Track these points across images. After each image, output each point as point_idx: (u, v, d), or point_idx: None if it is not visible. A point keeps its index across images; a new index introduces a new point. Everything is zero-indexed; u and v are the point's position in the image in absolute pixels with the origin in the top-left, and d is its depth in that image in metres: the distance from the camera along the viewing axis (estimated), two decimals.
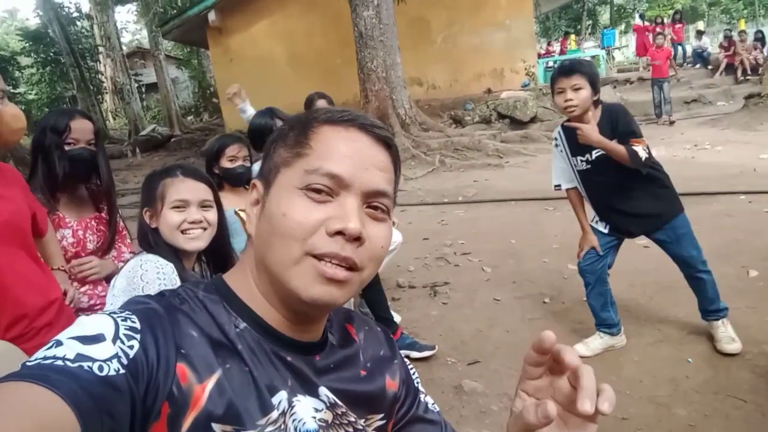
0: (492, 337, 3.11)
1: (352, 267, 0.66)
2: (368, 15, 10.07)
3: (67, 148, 2.06)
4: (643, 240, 4.26)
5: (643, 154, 2.47)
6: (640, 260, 3.83)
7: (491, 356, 2.90)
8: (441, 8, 13.35)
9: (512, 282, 3.88)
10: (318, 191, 0.66)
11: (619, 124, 2.54)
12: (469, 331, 3.21)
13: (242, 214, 0.80)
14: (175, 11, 18.04)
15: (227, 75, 14.60)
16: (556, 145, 2.78)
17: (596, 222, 2.82)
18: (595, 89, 2.53)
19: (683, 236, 2.67)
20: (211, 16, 14.07)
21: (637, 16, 17.77)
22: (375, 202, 0.69)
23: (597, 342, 2.82)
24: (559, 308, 3.37)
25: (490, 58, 13.48)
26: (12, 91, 22.30)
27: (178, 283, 1.45)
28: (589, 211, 2.86)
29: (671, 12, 20.42)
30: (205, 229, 1.61)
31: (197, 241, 1.60)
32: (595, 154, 2.59)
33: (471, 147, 9.61)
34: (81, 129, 2.09)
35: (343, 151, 0.68)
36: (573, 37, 21.72)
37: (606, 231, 2.78)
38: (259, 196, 0.72)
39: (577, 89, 2.48)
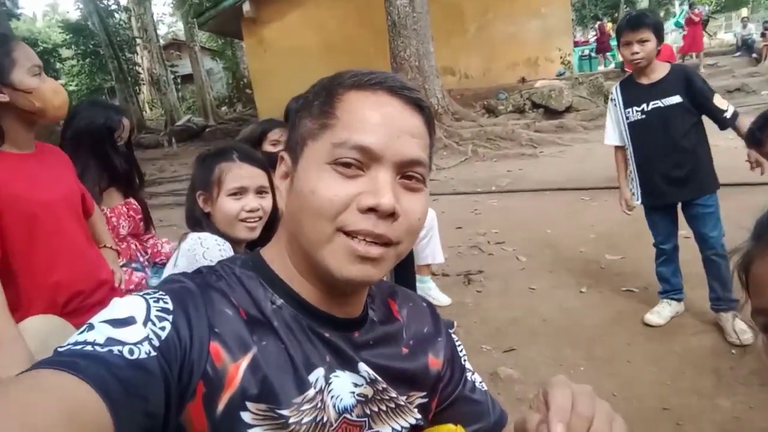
0: (528, 326, 3.08)
1: (387, 243, 0.63)
2: (401, 3, 10.03)
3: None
4: (684, 230, 4.16)
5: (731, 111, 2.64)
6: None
7: (528, 344, 2.88)
8: None
9: (548, 271, 3.83)
10: (348, 165, 0.62)
11: (694, 84, 2.62)
12: (504, 319, 3.19)
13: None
14: (210, 3, 18.29)
15: (261, 65, 14.79)
16: (612, 100, 2.86)
17: (636, 197, 2.89)
18: (660, 39, 2.61)
19: (711, 215, 2.67)
20: (246, 6, 14.22)
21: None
22: (409, 172, 0.65)
23: (667, 309, 2.91)
24: (596, 298, 3.32)
25: (524, 47, 13.28)
26: None
27: None
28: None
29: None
30: (261, 218, 1.57)
31: (253, 231, 1.57)
32: (651, 105, 2.65)
33: (504, 137, 9.50)
34: (127, 127, 2.24)
35: (373, 119, 0.63)
36: (609, 24, 21.16)
37: (639, 202, 2.86)
38: (287, 169, 0.70)
39: (643, 42, 2.54)
